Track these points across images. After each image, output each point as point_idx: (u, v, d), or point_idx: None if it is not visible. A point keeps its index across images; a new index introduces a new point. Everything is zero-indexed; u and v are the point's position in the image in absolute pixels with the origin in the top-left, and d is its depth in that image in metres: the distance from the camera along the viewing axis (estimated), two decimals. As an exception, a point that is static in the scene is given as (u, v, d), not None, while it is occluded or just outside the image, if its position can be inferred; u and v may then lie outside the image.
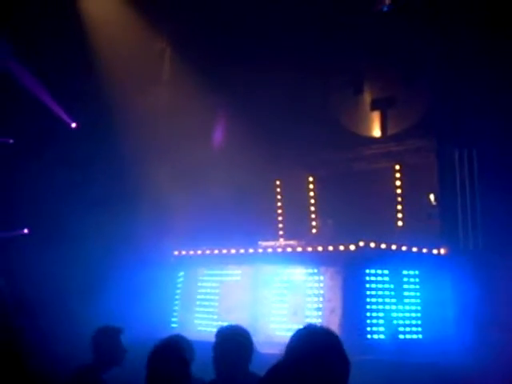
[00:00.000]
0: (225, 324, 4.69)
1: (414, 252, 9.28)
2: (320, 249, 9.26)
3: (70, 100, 12.40)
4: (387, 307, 8.82)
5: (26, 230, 12.62)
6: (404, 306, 8.93)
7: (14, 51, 11.44)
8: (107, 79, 11.67)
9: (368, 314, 8.70)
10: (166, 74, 13.05)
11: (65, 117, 12.74)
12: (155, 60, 12.89)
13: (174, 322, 10.39)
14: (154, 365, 3.93)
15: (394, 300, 8.89)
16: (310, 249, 9.40)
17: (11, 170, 12.01)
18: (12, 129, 12.26)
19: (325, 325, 2.81)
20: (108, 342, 5.48)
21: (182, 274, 10.77)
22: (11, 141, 12.56)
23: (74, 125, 12.84)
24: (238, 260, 10.03)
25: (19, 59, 11.60)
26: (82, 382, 5.21)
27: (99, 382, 5.19)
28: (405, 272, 9.09)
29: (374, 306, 8.76)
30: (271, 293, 9.45)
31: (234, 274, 10.03)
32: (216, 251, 10.32)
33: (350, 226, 10.23)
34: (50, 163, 11.59)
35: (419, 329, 8.92)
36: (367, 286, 8.85)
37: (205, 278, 10.41)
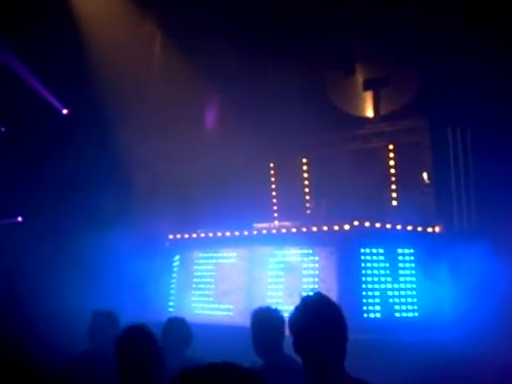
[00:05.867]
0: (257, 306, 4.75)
1: (408, 230, 9.30)
2: (314, 229, 9.28)
3: (61, 86, 12.30)
4: (382, 286, 8.86)
5: (19, 218, 12.58)
6: (399, 284, 8.97)
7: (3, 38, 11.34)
8: (98, 64, 11.57)
9: (363, 293, 8.74)
10: (156, 58, 12.96)
11: (56, 103, 12.64)
12: (146, 44, 12.79)
13: (170, 306, 10.41)
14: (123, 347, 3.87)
15: (389, 279, 8.93)
16: (304, 229, 9.42)
17: (3, 157, 11.93)
18: (3, 116, 12.18)
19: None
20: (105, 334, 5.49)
21: (177, 257, 10.78)
22: (3, 129, 12.49)
23: (65, 111, 12.76)
24: (234, 242, 10.04)
25: (8, 45, 11.49)
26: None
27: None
28: (400, 251, 9.13)
29: (369, 285, 8.80)
30: (267, 274, 9.47)
31: (230, 257, 10.04)
32: (211, 234, 10.33)
33: (344, 205, 10.23)
34: (43, 151, 11.53)
35: (415, 307, 8.97)
36: (362, 265, 8.89)
37: (200, 262, 10.42)
